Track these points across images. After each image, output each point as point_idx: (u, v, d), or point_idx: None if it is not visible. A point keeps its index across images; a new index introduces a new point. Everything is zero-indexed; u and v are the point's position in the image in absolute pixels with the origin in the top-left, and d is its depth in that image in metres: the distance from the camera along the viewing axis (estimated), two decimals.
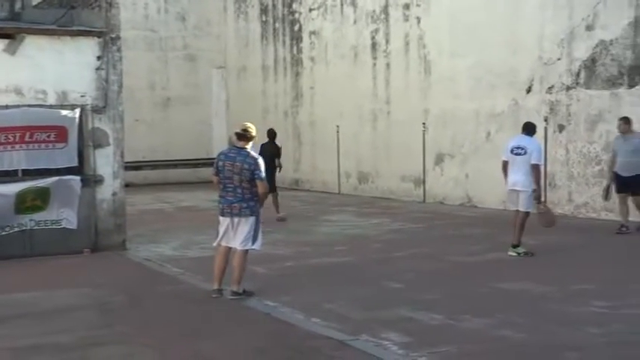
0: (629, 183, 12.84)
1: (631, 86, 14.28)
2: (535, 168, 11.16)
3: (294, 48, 24.44)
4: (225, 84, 28.20)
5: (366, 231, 14.39)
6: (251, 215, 8.77)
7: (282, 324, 7.73)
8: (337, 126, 22.31)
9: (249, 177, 8.67)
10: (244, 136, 8.86)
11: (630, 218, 12.93)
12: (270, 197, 15.53)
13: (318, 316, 7.90)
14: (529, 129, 11.69)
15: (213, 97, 28.18)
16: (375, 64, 20.92)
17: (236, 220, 8.78)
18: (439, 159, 18.86)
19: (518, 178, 11.30)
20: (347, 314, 8.00)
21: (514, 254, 11.12)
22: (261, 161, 8.74)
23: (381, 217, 16.37)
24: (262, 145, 15.59)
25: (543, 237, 12.65)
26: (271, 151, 15.88)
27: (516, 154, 11.33)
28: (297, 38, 24.27)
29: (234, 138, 9.06)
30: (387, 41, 20.41)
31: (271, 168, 15.65)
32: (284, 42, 24.92)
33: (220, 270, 8.97)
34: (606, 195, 13.25)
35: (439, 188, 18.90)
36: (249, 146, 8.85)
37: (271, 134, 16.45)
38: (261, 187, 8.75)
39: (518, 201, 11.34)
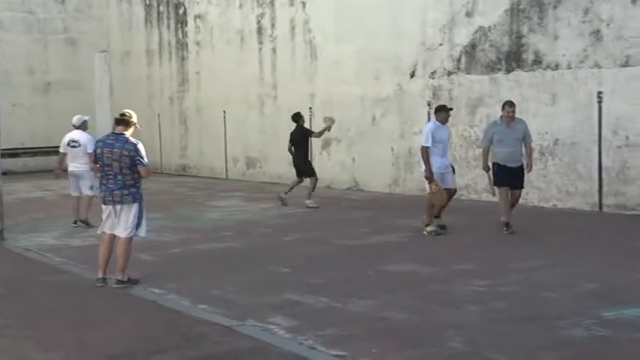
0: (516, 175, 11.54)
1: (508, 71, 14.78)
2: (420, 150, 11.64)
3: (180, 32, 24.08)
4: (109, 68, 27.49)
5: (254, 216, 14.38)
6: (133, 202, 8.63)
7: (168, 311, 7.64)
8: (224, 111, 22.16)
9: (130, 163, 8.51)
10: (122, 120, 8.70)
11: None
12: (298, 181, 15.64)
13: (206, 303, 7.85)
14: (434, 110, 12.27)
15: (96, 82, 27.42)
16: (261, 49, 20.86)
17: (118, 207, 8.61)
18: (326, 143, 19.01)
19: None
20: (234, 300, 7.98)
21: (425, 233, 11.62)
22: (141, 146, 8.58)
23: (269, 202, 16.38)
24: (291, 133, 15.68)
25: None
26: (303, 134, 15.63)
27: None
28: (182, 22, 23.92)
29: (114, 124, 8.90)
30: (273, 26, 20.39)
31: (304, 152, 15.67)
32: (169, 26, 24.51)
33: (104, 258, 8.78)
34: (493, 189, 11.78)
35: (326, 172, 19.04)
36: (128, 132, 8.68)
37: (296, 118, 15.81)
38: (143, 172, 8.61)
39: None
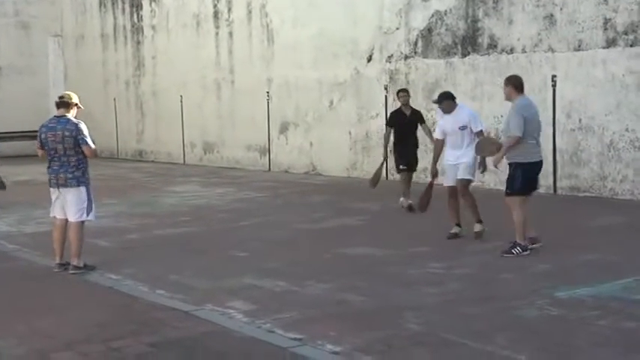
0: (538, 172, 9.10)
1: (464, 55, 14.88)
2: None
3: (135, 16, 23.81)
4: (63, 53, 27.12)
5: (212, 201, 14.33)
6: (78, 186, 8.54)
7: (125, 297, 7.59)
8: (181, 96, 22.01)
9: (73, 143, 8.44)
10: (62, 103, 8.67)
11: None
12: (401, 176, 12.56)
13: (163, 288, 7.82)
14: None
15: (49, 67, 27.04)
16: (217, 33, 20.73)
17: (63, 190, 8.55)
18: (284, 128, 19.00)
19: None
20: (192, 285, 7.96)
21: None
22: (83, 126, 8.52)
23: (227, 186, 16.35)
24: (399, 114, 12.53)
25: (384, 202, 13.04)
26: (411, 119, 12.48)
27: None
28: (137, 6, 23.64)
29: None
30: (230, 10, 20.26)
31: (411, 141, 12.56)
32: (123, 10, 24.20)
33: (59, 243, 8.70)
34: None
35: (284, 157, 19.06)
36: (71, 114, 8.61)
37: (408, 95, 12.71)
38: (87, 151, 8.53)
39: None
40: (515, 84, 8.90)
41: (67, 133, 8.43)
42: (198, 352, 5.91)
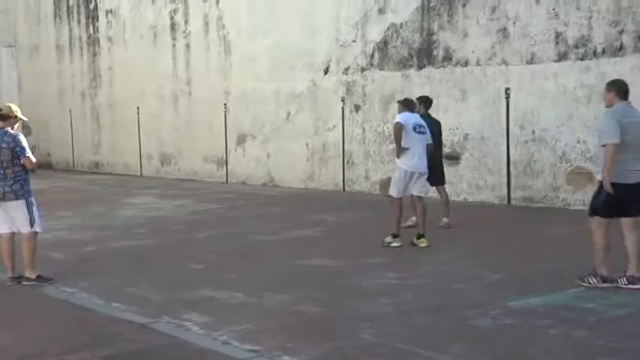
0: (633, 196, 7.47)
1: (420, 68, 15.05)
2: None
3: (91, 27, 23.64)
4: (16, 64, 26.80)
5: (168, 213, 14.27)
6: (17, 199, 8.44)
7: (80, 310, 7.52)
8: (138, 107, 21.89)
9: (11, 156, 8.35)
10: (0, 115, 8.52)
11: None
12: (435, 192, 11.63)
13: (119, 301, 7.76)
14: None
15: (3, 78, 26.68)
16: (174, 45, 20.69)
17: (3, 205, 8.46)
18: (241, 139, 19.01)
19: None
20: (148, 297, 7.92)
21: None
22: (21, 137, 8.43)
23: (184, 198, 16.29)
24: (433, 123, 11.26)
25: (341, 214, 13.11)
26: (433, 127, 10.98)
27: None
28: (93, 17, 23.49)
29: None
30: (187, 21, 20.24)
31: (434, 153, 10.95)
32: (79, 21, 24.02)
33: (9, 257, 8.60)
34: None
35: (241, 168, 19.07)
36: (13, 127, 8.49)
37: (424, 102, 11.49)
38: (27, 163, 8.42)
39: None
40: (618, 90, 7.56)
41: (4, 145, 8.33)
42: None
